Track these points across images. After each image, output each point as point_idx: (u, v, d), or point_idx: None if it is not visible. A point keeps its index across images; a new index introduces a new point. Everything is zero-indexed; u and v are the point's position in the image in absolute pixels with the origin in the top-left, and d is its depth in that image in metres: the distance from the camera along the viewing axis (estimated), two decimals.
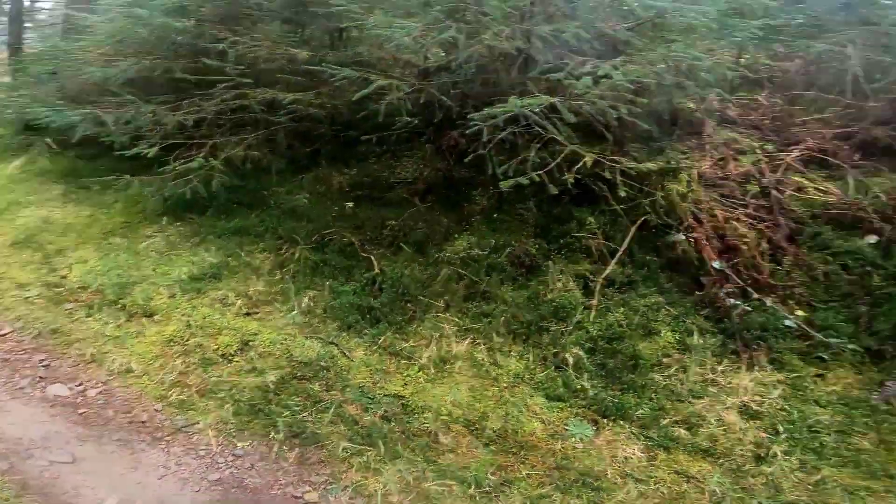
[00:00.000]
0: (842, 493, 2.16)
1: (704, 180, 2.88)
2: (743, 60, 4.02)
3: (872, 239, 2.53)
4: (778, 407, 2.38)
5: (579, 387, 2.42)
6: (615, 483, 2.12)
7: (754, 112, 3.49)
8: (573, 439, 2.25)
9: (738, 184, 2.84)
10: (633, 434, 2.29)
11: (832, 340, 2.43)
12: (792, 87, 3.75)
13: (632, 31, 3.06)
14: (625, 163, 2.48)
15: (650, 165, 2.66)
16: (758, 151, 3.00)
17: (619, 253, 2.59)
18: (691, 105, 3.35)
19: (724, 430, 2.31)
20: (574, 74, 2.47)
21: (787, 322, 2.38)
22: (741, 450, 2.27)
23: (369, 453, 2.12)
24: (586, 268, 2.69)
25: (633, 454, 2.22)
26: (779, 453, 2.25)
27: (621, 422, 2.30)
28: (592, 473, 2.13)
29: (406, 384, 2.46)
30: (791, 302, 2.51)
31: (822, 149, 2.98)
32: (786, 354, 2.47)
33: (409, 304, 2.71)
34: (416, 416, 2.32)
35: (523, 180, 2.24)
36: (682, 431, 2.30)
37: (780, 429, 2.33)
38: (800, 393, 2.43)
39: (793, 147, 3.02)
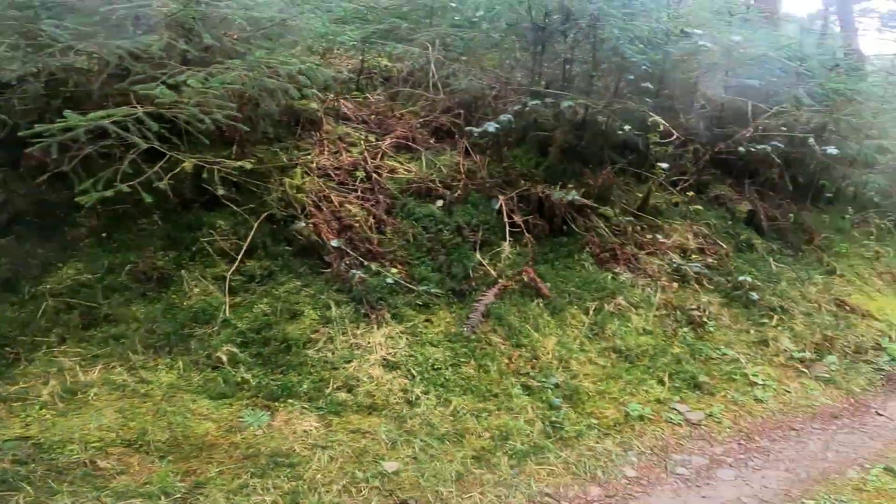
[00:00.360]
0: (471, 417, 2.70)
1: (323, 171, 3.35)
2: (368, 62, 4.75)
3: (440, 203, 3.40)
4: (407, 354, 2.87)
5: (240, 379, 2.53)
6: (305, 455, 2.29)
7: (365, 109, 4.15)
8: (251, 428, 2.34)
9: (348, 172, 3.40)
10: (305, 409, 2.51)
11: (429, 289, 3.10)
12: (397, 84, 4.58)
13: (239, 40, 3.32)
14: (228, 164, 2.72)
15: (268, 164, 2.98)
16: (362, 143, 3.62)
17: (244, 248, 2.82)
18: (314, 105, 3.79)
19: (376, 385, 2.69)
20: (168, 84, 2.57)
21: (388, 280, 3.00)
22: (394, 399, 2.68)
23: (16, 498, 1.88)
24: (223, 269, 2.80)
25: (311, 426, 2.43)
26: (420, 394, 2.72)
27: (291, 401, 2.48)
28: (282, 453, 2.27)
29: (28, 425, 2.21)
30: (397, 263, 3.16)
31: (408, 136, 3.79)
32: (402, 308, 3.01)
33: (7, 348, 2.41)
34: (58, 451, 2.12)
35: (109, 193, 2.25)
36: (345, 395, 2.61)
37: (414, 373, 2.81)
38: (417, 339, 2.95)
39: (388, 136, 3.76)
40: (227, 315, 2.69)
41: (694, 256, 4.09)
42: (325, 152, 3.49)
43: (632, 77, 4.19)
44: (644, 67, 4.06)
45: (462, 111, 4.13)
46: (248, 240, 2.86)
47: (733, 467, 2.83)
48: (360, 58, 4.49)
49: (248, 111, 2.98)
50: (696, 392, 3.37)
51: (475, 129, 3.73)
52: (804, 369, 3.84)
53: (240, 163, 2.79)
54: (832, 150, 4.89)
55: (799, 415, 3.44)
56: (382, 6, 5.05)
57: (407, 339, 2.93)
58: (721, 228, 4.47)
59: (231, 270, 2.78)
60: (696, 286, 3.99)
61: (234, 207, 2.95)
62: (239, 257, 2.82)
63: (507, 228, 3.50)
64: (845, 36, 12.70)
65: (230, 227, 2.93)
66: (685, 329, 3.74)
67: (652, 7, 4.39)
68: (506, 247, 3.48)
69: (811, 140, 4.87)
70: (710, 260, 4.13)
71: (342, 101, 4.08)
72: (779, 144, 4.71)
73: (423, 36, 4.38)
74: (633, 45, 3.82)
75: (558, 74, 4.45)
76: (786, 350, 3.88)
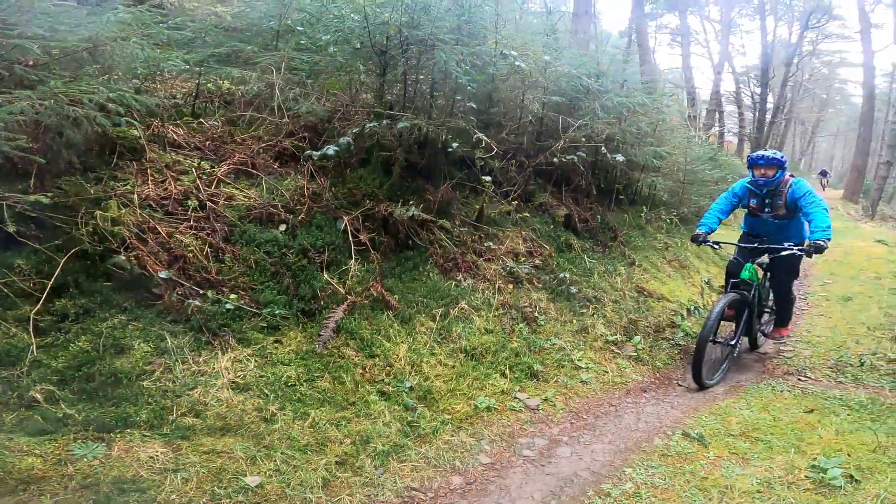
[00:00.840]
0: (331, 426, 2.76)
1: (147, 201, 3.13)
2: (206, 86, 4.51)
3: (283, 227, 3.39)
4: (257, 375, 2.86)
5: (62, 415, 2.33)
6: (154, 480, 2.18)
7: (200, 134, 3.95)
8: (86, 459, 2.17)
9: (178, 201, 3.22)
10: (147, 436, 2.38)
11: (273, 311, 3.10)
12: (238, 108, 4.45)
13: (35, 67, 2.97)
14: (20, 198, 2.45)
15: (75, 197, 2.71)
16: (194, 170, 3.45)
17: (49, 287, 2.54)
18: (136, 133, 3.52)
19: (227, 407, 2.64)
20: None
21: (228, 306, 2.92)
22: (249, 418, 2.65)
23: None
24: (27, 310, 2.52)
25: (157, 452, 2.31)
26: (275, 411, 2.72)
27: (129, 430, 2.35)
28: (126, 479, 2.14)
29: None
30: (238, 290, 3.08)
31: (247, 161, 3.70)
32: (249, 332, 2.98)
33: None
34: None
35: None
36: (192, 419, 2.52)
37: (267, 391, 2.80)
38: (267, 359, 2.95)
39: (225, 163, 3.64)
40: (37, 355, 2.45)
41: (524, 259, 4.59)
42: (150, 181, 3.26)
43: (460, 97, 4.57)
44: (469, 88, 4.46)
45: (307, 135, 4.14)
46: (53, 278, 2.58)
47: (569, 444, 3.20)
48: (197, 82, 4.27)
49: (48, 141, 2.69)
50: (533, 381, 3.79)
51: (314, 153, 3.77)
52: (617, 350, 4.52)
53: (35, 196, 2.51)
54: (620, 157, 5.80)
55: (616, 392, 4.04)
56: (222, 28, 4.87)
57: (256, 361, 2.91)
58: (545, 232, 5.05)
59: (34, 311, 2.49)
60: (528, 286, 4.48)
61: (35, 245, 2.64)
62: (43, 297, 2.53)
63: (353, 247, 3.60)
64: (642, 52, 14.99)
65: (31, 266, 2.61)
66: (521, 325, 4.18)
67: (478, 31, 4.84)
68: (353, 265, 3.57)
69: (604, 149, 5.73)
70: (537, 261, 4.66)
71: (171, 127, 3.84)
72: (583, 154, 5.47)
73: (267, 59, 4.30)
74: (460, 67, 4.18)
75: (401, 96, 4.68)
76: (602, 335, 4.53)
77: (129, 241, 2.83)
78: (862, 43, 20.08)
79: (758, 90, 27.27)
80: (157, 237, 2.95)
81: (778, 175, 4.26)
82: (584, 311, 4.66)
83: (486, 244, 4.53)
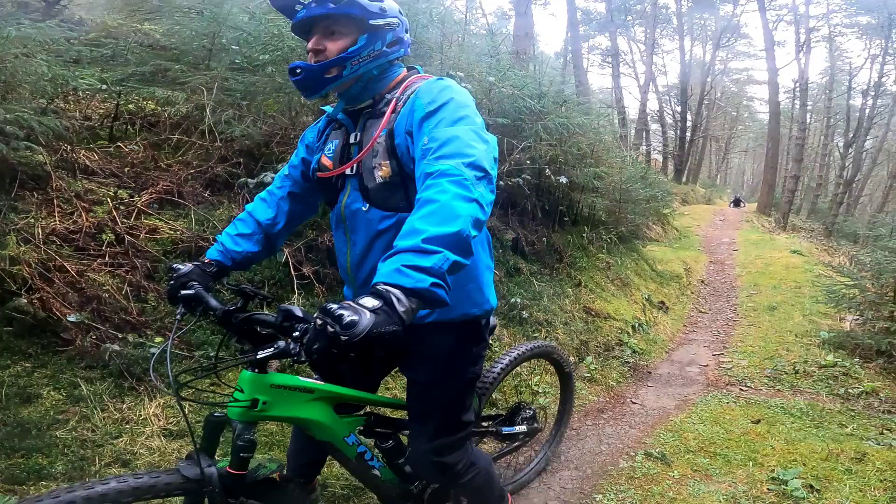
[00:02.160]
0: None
1: (53, 236, 2.75)
2: (126, 107, 4.11)
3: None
4: (195, 421, 2.56)
5: None
6: None
7: (117, 160, 3.58)
8: None
9: (91, 235, 2.85)
10: None
11: (211, 354, 2.79)
12: (163, 132, 4.09)
13: None
14: None
15: None
16: (110, 200, 3.09)
17: None
18: (41, 158, 3.13)
19: (160, 455, 2.39)
20: None
21: (153, 349, 2.60)
22: None
23: None
24: None
25: None
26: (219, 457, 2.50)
27: (44, 482, 2.10)
28: None
29: None
30: (165, 331, 2.75)
31: (173, 190, 3.37)
32: (180, 377, 2.68)
33: None
34: None
35: None
36: (120, 469, 2.27)
37: None
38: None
39: (147, 191, 3.29)
40: None
41: None
42: (57, 213, 2.88)
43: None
44: None
45: (242, 160, 3.85)
46: None
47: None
48: (115, 102, 3.89)
49: None
50: (493, 409, 3.65)
51: (250, 181, 3.50)
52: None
53: None
54: (563, 178, 5.87)
55: (575, 415, 3.96)
56: (147, 46, 4.51)
57: (189, 405, 2.58)
58: (495, 257, 4.97)
59: None
60: None
61: None
62: None
63: (296, 281, 3.35)
64: (577, 72, 15.59)
65: None
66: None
67: (425, 51, 4.74)
68: (296, 299, 3.31)
69: (547, 171, 5.78)
70: None
71: (83, 152, 3.45)
72: (528, 177, 5.48)
73: (198, 79, 3.98)
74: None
75: None
76: None
77: (31, 282, 2.46)
78: (767, 60, 21.71)
79: (678, 109, 29.27)
80: (66, 276, 2.59)
81: None
82: (537, 334, 4.59)
83: None
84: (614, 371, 4.84)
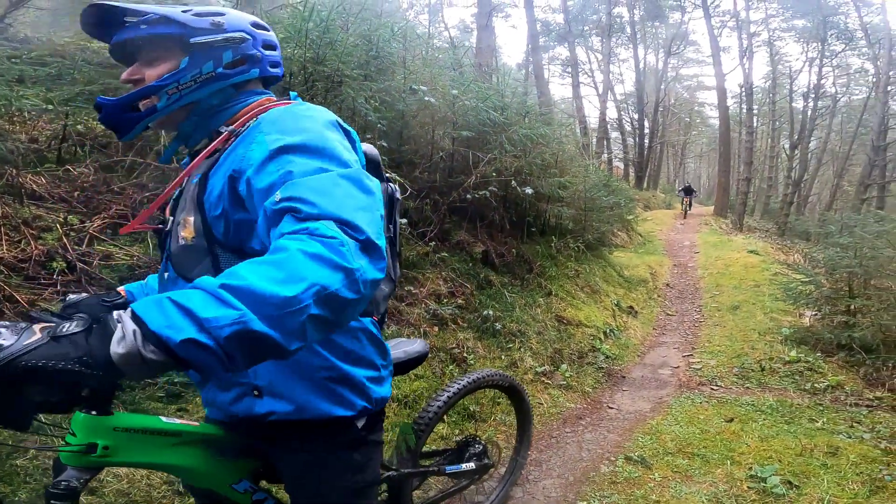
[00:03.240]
0: None
1: (1, 266, 2.58)
2: (74, 128, 3.91)
3: None
4: None
5: None
6: None
7: (66, 184, 3.40)
8: None
9: (41, 264, 2.69)
10: None
11: (175, 379, 2.67)
12: (116, 153, 3.91)
13: None
14: None
15: None
16: (59, 227, 2.93)
17: None
18: None
19: (129, 483, 2.22)
20: None
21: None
22: (158, 493, 2.26)
23: None
24: None
25: None
26: None
27: None
28: None
29: None
30: None
31: (127, 214, 3.22)
32: (143, 403, 2.49)
33: None
34: None
35: None
36: (88, 497, 2.12)
37: None
38: None
39: (99, 216, 3.13)
40: None
41: (447, 300, 4.43)
42: (4, 242, 2.70)
43: (370, 136, 4.40)
44: (380, 126, 4.30)
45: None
46: None
47: (518, 484, 3.00)
48: (63, 123, 3.71)
49: None
50: (471, 421, 3.59)
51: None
52: (548, 381, 4.46)
53: None
54: (529, 189, 5.91)
55: (554, 422, 3.96)
56: (96, 64, 4.32)
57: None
58: (464, 270, 4.95)
59: None
60: (453, 326, 4.31)
61: None
62: None
63: None
64: (538, 83, 15.85)
65: None
66: (451, 367, 3.98)
67: (387, 66, 4.71)
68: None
69: (513, 182, 5.81)
70: (460, 301, 4.52)
71: (29, 176, 3.27)
72: (495, 189, 5.49)
73: None
74: (369, 104, 4.00)
75: None
76: (531, 367, 4.47)
77: None
78: (714, 66, 22.76)
79: (636, 116, 30.19)
80: (16, 307, 2.41)
81: None
82: (511, 345, 4.57)
83: (406, 288, 4.32)
84: (589, 377, 4.86)
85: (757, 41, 26.06)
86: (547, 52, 30.44)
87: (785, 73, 27.85)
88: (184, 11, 1.11)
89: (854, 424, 3.74)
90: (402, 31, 4.94)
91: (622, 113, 32.74)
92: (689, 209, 20.96)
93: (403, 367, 1.74)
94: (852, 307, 5.79)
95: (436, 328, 4.15)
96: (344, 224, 0.84)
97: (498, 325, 4.58)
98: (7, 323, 0.71)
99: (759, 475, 2.91)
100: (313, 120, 1.04)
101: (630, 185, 24.70)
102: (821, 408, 4.16)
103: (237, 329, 0.71)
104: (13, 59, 3.36)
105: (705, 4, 22.54)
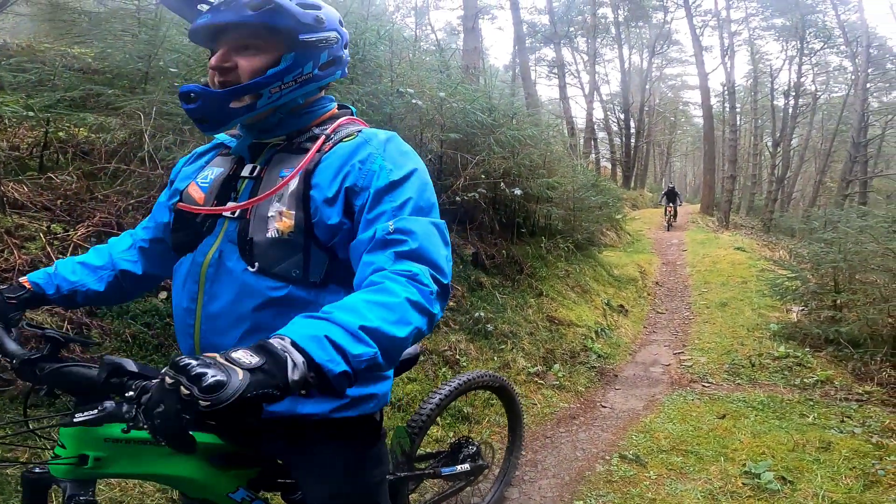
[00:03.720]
0: None
1: None
2: (56, 135, 3.84)
3: (164, 295, 2.91)
4: None
5: None
6: None
7: (48, 192, 3.34)
8: None
9: (25, 273, 2.63)
10: None
11: None
12: (99, 160, 3.85)
13: None
14: None
15: None
16: (43, 235, 2.87)
17: None
18: None
19: (121, 490, 2.21)
20: None
21: None
22: (152, 500, 2.25)
23: None
24: None
25: None
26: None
27: None
28: None
29: None
30: None
31: (111, 222, 3.17)
32: None
33: None
34: None
35: None
36: None
37: None
38: None
39: (83, 224, 3.08)
40: None
41: None
42: None
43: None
44: None
45: None
46: None
47: (515, 485, 3.01)
48: (44, 130, 3.64)
49: None
50: (465, 423, 3.58)
51: None
52: (541, 381, 4.46)
53: None
54: (517, 191, 5.92)
55: (548, 423, 3.96)
56: (77, 70, 4.25)
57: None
58: (455, 273, 4.95)
59: None
60: (445, 329, 4.30)
61: None
62: None
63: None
64: (525, 84, 15.90)
65: None
66: (444, 369, 3.96)
67: (374, 69, 4.68)
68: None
69: (502, 184, 5.82)
70: (451, 303, 4.51)
71: (11, 184, 3.21)
72: (484, 190, 5.49)
73: (134, 103, 3.77)
74: (356, 107, 3.96)
75: None
76: (523, 368, 4.46)
77: None
78: (696, 65, 22.96)
79: (622, 116, 30.42)
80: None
81: None
82: (503, 346, 4.57)
83: None
84: (582, 377, 4.87)
85: (738, 40, 26.42)
86: (533, 53, 30.57)
87: (766, 72, 28.23)
88: (292, 0, 1.06)
89: (845, 419, 3.78)
90: (388, 35, 4.92)
91: (608, 113, 32.96)
92: (675, 220, 17.08)
93: (398, 369, 1.73)
94: (838, 302, 5.87)
95: None
96: (435, 270, 0.99)
97: (490, 327, 4.57)
98: (191, 358, 0.73)
99: (752, 471, 2.93)
100: (417, 160, 1.16)
101: (618, 184, 24.87)
102: (811, 403, 4.20)
103: (372, 364, 0.84)
104: None
105: (687, 4, 22.80)
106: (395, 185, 1.07)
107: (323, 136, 1.14)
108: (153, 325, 2.76)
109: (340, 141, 1.14)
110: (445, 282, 1.01)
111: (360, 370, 0.82)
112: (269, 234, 1.07)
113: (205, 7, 1.07)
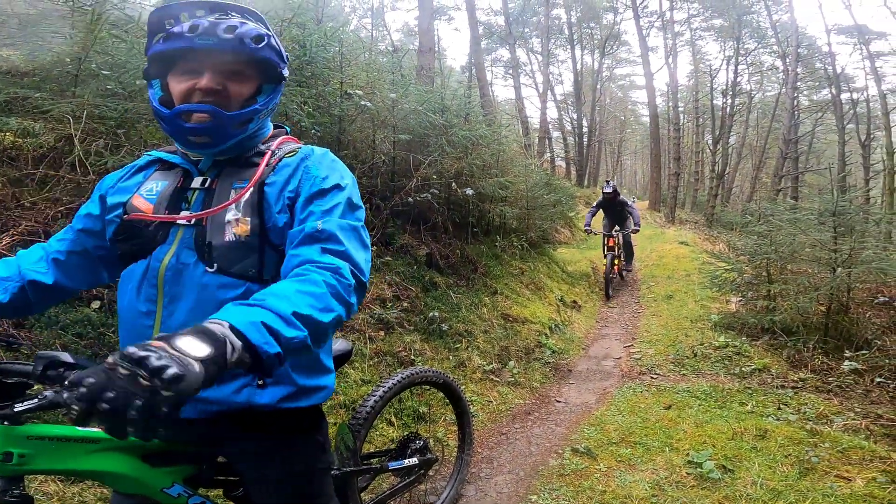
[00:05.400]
0: None
1: None
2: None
3: (96, 304, 2.77)
4: None
5: None
6: None
7: None
8: None
9: None
10: None
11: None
12: (26, 166, 3.62)
13: None
14: None
15: None
16: None
17: None
18: None
19: (59, 500, 2.15)
20: None
21: (27, 404, 2.28)
22: None
23: None
24: None
25: None
26: None
27: None
28: None
29: None
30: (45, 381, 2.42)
31: (38, 230, 2.99)
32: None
33: None
34: None
35: None
36: None
37: None
38: None
39: (7, 233, 2.89)
40: None
41: (392, 304, 4.40)
42: None
43: (304, 141, 4.28)
44: (314, 131, 4.20)
45: None
46: None
47: (471, 482, 3.06)
48: None
49: None
50: (421, 423, 3.59)
51: None
52: (496, 378, 4.52)
53: None
54: (469, 191, 5.97)
55: (503, 419, 4.01)
56: (5, 73, 3.98)
57: None
58: (409, 274, 4.94)
59: None
60: (399, 329, 4.28)
61: None
62: None
63: None
64: (481, 85, 15.96)
65: None
66: (398, 370, 3.95)
67: (322, 71, 4.59)
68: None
69: (454, 184, 5.85)
70: (405, 304, 4.50)
71: None
72: (436, 191, 5.51)
73: (63, 107, 3.57)
74: (302, 110, 3.89)
75: None
76: (479, 366, 4.51)
77: None
78: (643, 66, 23.88)
79: (575, 115, 31.11)
80: None
81: None
82: (459, 345, 4.60)
83: None
84: (537, 373, 4.96)
85: (681, 41, 27.53)
86: (490, 53, 30.83)
87: (706, 72, 29.52)
88: (268, 35, 1.22)
89: (781, 406, 3.98)
90: (336, 35, 4.85)
91: (562, 112, 33.66)
92: (627, 266, 9.56)
93: (334, 364, 1.74)
94: (772, 292, 6.20)
95: (381, 332, 4.11)
96: (355, 268, 1.14)
97: (444, 326, 4.59)
98: (137, 348, 0.75)
99: (695, 461, 3.07)
100: (346, 172, 1.31)
101: (572, 182, 25.42)
102: (749, 391, 4.42)
103: (301, 346, 0.96)
104: None
105: (635, 5, 23.57)
106: (324, 192, 1.22)
107: (269, 152, 1.28)
108: (85, 335, 2.62)
109: (284, 156, 1.28)
110: (363, 279, 1.15)
111: (290, 350, 0.93)
112: (227, 238, 1.19)
113: (183, 28, 1.15)
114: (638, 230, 8.99)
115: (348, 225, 1.20)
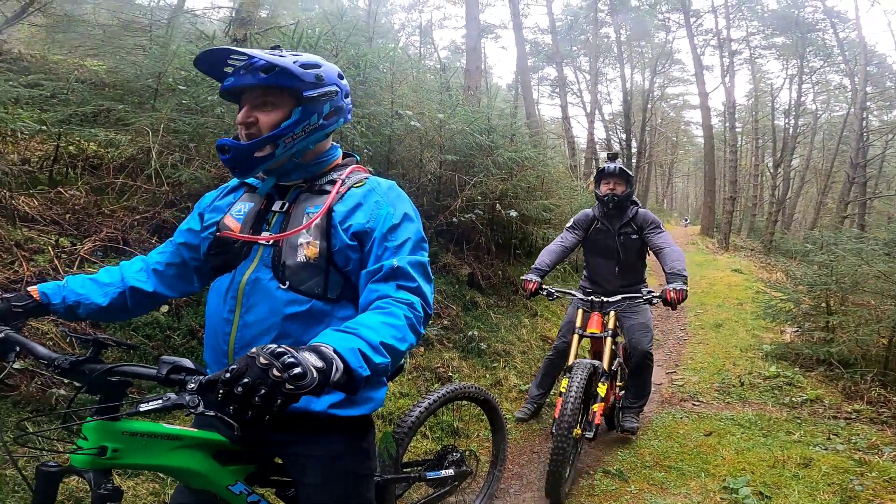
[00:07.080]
0: None
1: None
2: (66, 149, 3.97)
3: (165, 308, 3.03)
4: None
5: None
6: None
7: (57, 206, 3.48)
8: None
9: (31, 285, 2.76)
10: None
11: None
12: (107, 175, 3.99)
13: None
14: None
15: None
16: (51, 249, 3.01)
17: None
18: None
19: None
20: None
21: None
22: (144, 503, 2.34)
23: None
24: None
25: None
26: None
27: None
28: None
29: None
30: None
31: (117, 237, 3.30)
32: None
33: None
34: None
35: None
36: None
37: (163, 475, 2.44)
38: None
39: (90, 239, 3.21)
40: None
41: (432, 322, 4.52)
42: None
43: (359, 159, 4.49)
44: (367, 151, 4.41)
45: (190, 204, 3.78)
46: None
47: (499, 497, 3.10)
48: (56, 144, 3.79)
49: None
50: (454, 437, 3.65)
51: None
52: None
53: None
54: (513, 213, 6.04)
55: (536, 438, 4.02)
56: (90, 84, 4.40)
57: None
58: (450, 293, 5.05)
59: None
60: (439, 346, 4.40)
61: None
62: None
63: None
64: (527, 104, 16.01)
65: None
66: (436, 385, 4.06)
67: (374, 91, 4.82)
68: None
69: (498, 206, 5.95)
70: (445, 322, 4.61)
71: (22, 198, 3.35)
72: (480, 212, 5.62)
73: (143, 120, 3.90)
74: (355, 129, 4.09)
75: None
76: (515, 385, 4.54)
77: None
78: (697, 85, 23.16)
79: (623, 136, 30.67)
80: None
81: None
82: (496, 364, 4.65)
83: None
84: None
85: (739, 59, 26.70)
86: (536, 72, 30.93)
87: (767, 91, 28.49)
88: (294, 62, 1.32)
89: (831, 437, 3.82)
90: (388, 56, 5.10)
91: (610, 133, 33.24)
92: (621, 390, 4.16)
93: (390, 375, 1.89)
94: (830, 323, 5.93)
95: (422, 349, 4.23)
96: (425, 302, 1.29)
97: (483, 345, 4.66)
98: (276, 345, 0.92)
99: (731, 486, 3.00)
100: (410, 204, 1.43)
101: None
102: (798, 421, 4.25)
103: (377, 372, 1.08)
104: (10, 82, 3.44)
105: (688, 23, 23.16)
106: (395, 228, 1.35)
107: (339, 181, 1.41)
108: (153, 337, 2.88)
109: (353, 186, 1.42)
110: (430, 311, 1.32)
111: (377, 374, 1.08)
112: (298, 259, 1.33)
113: (229, 69, 1.34)
114: (682, 291, 3.42)
115: (417, 262, 1.33)
